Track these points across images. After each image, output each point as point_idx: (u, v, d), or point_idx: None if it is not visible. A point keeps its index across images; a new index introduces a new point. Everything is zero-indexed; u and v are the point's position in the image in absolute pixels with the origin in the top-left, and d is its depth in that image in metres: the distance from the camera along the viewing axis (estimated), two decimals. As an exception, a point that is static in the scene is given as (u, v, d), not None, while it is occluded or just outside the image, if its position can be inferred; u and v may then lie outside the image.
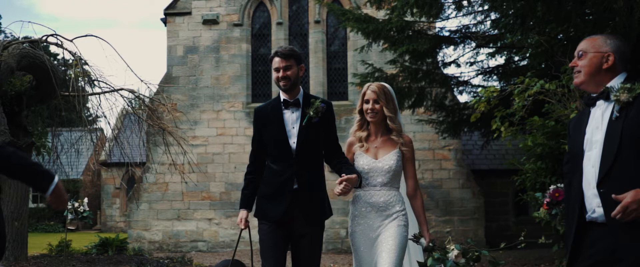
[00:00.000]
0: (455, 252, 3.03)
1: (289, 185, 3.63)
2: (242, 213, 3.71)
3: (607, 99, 2.70)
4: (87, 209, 5.44)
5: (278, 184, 3.66)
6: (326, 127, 3.73)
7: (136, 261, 7.79)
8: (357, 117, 3.92)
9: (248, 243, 3.93)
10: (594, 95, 2.75)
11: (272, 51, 3.79)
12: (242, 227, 3.65)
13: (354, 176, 3.50)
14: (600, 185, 2.60)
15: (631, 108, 2.58)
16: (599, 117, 2.71)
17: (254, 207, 3.79)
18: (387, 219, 3.68)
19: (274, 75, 3.70)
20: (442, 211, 13.60)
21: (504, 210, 15.37)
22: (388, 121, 3.77)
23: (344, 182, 3.42)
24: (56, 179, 2.85)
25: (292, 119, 3.70)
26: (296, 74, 3.67)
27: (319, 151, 3.73)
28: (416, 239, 3.60)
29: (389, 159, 3.74)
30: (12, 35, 31.54)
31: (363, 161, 3.77)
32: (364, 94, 3.82)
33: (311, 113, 3.62)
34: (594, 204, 2.67)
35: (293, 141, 3.65)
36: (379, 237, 3.65)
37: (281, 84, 3.66)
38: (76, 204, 5.33)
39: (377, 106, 3.75)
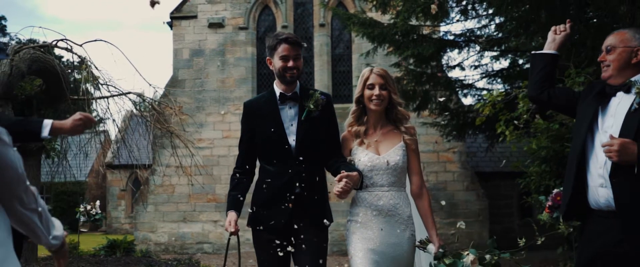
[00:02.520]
0: (471, 257, 2.73)
1: (290, 189, 3.19)
2: (231, 215, 3.19)
3: (627, 91, 2.77)
4: (99, 211, 5.54)
5: (277, 189, 3.22)
6: (327, 122, 3.31)
7: (144, 263, 7.89)
8: (352, 107, 3.38)
9: (250, 247, 3.52)
10: (616, 85, 2.81)
11: (274, 37, 3.30)
12: (232, 230, 3.13)
13: (355, 173, 3.02)
14: (613, 176, 2.66)
15: None
16: (614, 107, 2.78)
17: (240, 214, 3.29)
18: (394, 229, 3.17)
19: (280, 64, 3.23)
20: (446, 213, 13.67)
21: (508, 212, 15.44)
22: (399, 109, 3.30)
23: (345, 180, 2.91)
24: (47, 121, 2.89)
25: (289, 115, 3.29)
26: (302, 65, 3.30)
27: (320, 149, 3.27)
28: (423, 245, 3.14)
29: (394, 153, 3.24)
30: (17, 38, 31.80)
31: (364, 157, 3.24)
32: (367, 78, 3.28)
33: (311, 106, 3.22)
34: (597, 183, 2.74)
35: (292, 139, 3.24)
36: (388, 252, 3.14)
37: (288, 74, 3.23)
38: (88, 207, 5.44)
39: (384, 92, 3.25)
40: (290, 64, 3.21)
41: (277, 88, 3.32)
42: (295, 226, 3.20)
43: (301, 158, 3.21)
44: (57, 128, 2.90)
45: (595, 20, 6.43)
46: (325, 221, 3.26)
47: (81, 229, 6.91)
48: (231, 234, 3.13)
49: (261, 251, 3.27)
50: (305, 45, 3.41)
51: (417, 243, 3.17)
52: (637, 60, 2.78)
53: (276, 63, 3.25)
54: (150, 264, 7.86)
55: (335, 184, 2.92)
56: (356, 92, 3.37)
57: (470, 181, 13.89)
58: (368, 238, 3.16)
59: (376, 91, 3.23)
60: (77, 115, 2.99)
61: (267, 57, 3.34)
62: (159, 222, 14.21)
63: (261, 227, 3.25)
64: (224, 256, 3.14)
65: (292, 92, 3.29)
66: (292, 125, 3.26)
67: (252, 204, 3.31)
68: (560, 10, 5.71)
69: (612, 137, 2.62)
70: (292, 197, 3.19)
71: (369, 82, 3.26)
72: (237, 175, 3.35)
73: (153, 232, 14.19)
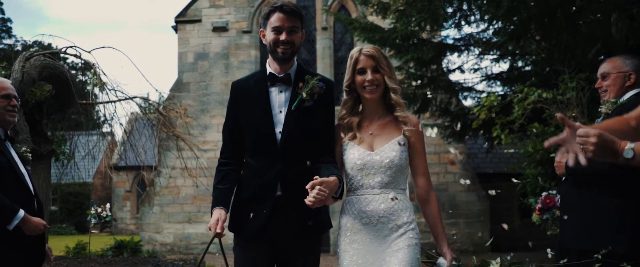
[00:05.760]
0: None
1: (271, 189, 2.69)
2: (218, 213, 2.65)
3: None
4: (109, 213, 5.73)
5: (257, 188, 2.72)
6: (323, 113, 2.77)
7: (152, 263, 8.09)
8: (343, 96, 2.85)
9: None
10: None
11: (269, 6, 2.76)
12: (219, 230, 2.59)
13: (332, 178, 2.47)
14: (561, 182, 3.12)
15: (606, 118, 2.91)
16: None
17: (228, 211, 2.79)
18: (391, 237, 2.65)
19: (272, 37, 2.69)
20: (447, 214, 13.86)
21: (509, 213, 15.57)
22: (392, 95, 2.76)
23: (318, 187, 2.39)
24: (20, 213, 3.08)
25: (280, 101, 2.75)
26: (300, 41, 2.76)
27: (312, 145, 2.74)
28: (432, 261, 2.65)
29: (389, 149, 2.71)
30: (22, 40, 32.13)
31: (355, 153, 2.73)
32: (357, 61, 2.74)
33: (304, 95, 2.69)
34: None
35: (279, 131, 2.71)
36: (382, 263, 2.63)
37: (280, 50, 2.68)
38: (99, 209, 5.63)
39: (377, 76, 2.72)
40: (283, 37, 2.67)
41: (269, 67, 2.79)
42: (277, 236, 2.70)
43: (288, 154, 2.70)
44: (23, 223, 3.12)
45: (583, 29, 6.60)
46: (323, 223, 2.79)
47: (92, 231, 7.11)
48: (216, 235, 2.61)
49: (238, 263, 2.80)
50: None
51: (423, 258, 2.71)
52: (631, 83, 3.04)
53: (268, 36, 2.73)
54: (157, 265, 8.07)
55: (309, 191, 2.42)
56: (346, 79, 2.81)
57: (471, 182, 14.07)
58: (359, 250, 2.67)
59: (368, 76, 2.71)
60: (43, 225, 3.22)
61: (261, 30, 2.82)
62: (164, 223, 14.43)
63: (239, 233, 2.79)
64: (221, 257, 2.74)
65: (285, 74, 2.75)
66: (281, 112, 2.73)
67: (232, 204, 2.81)
68: (549, 23, 5.90)
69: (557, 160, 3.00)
70: (273, 200, 2.70)
71: (359, 66, 2.74)
72: (223, 165, 2.84)
73: (159, 233, 14.41)
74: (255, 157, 2.77)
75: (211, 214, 2.69)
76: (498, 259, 2.54)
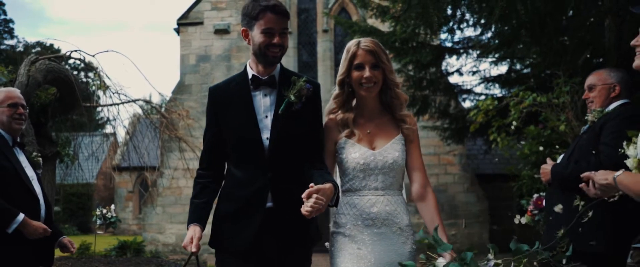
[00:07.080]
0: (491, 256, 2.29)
1: (260, 200, 2.51)
2: (193, 230, 2.50)
3: None
4: (114, 214, 5.84)
5: (244, 200, 2.54)
6: (311, 116, 2.60)
7: (154, 263, 8.22)
8: (335, 89, 2.68)
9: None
10: None
11: (254, 3, 2.51)
12: (193, 249, 2.43)
13: (327, 185, 2.29)
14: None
15: (591, 127, 3.06)
16: None
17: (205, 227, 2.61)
18: (392, 242, 2.53)
19: (261, 39, 2.48)
20: (447, 214, 13.97)
21: (508, 213, 15.68)
22: (394, 89, 2.62)
23: (315, 195, 2.22)
24: (20, 217, 3.19)
25: (265, 105, 2.57)
26: (288, 43, 2.58)
27: (301, 150, 2.57)
28: (431, 262, 2.34)
29: (391, 148, 2.57)
30: (24, 40, 32.29)
31: (356, 152, 2.56)
32: (354, 55, 2.55)
33: (291, 97, 2.52)
34: None
35: (266, 137, 2.53)
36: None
37: (271, 53, 2.49)
38: (104, 210, 5.74)
39: (376, 73, 2.55)
40: (276, 40, 2.48)
41: (251, 69, 2.60)
42: (265, 249, 2.54)
43: (277, 162, 2.53)
44: (22, 227, 3.23)
45: (574, 34, 6.72)
46: (325, 244, 2.67)
47: (97, 231, 7.24)
48: (191, 254, 2.47)
49: None
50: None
51: (422, 259, 2.47)
52: (616, 94, 3.22)
53: (256, 37, 2.51)
54: (160, 265, 8.20)
55: (304, 200, 2.25)
56: (340, 73, 2.63)
57: (471, 183, 14.19)
58: (360, 256, 2.51)
59: (366, 73, 2.54)
60: (43, 229, 3.32)
61: (243, 28, 2.57)
62: (166, 224, 14.57)
63: (223, 249, 2.62)
64: None
65: (269, 76, 2.57)
66: (267, 117, 2.55)
67: (213, 217, 2.66)
68: (539, 30, 6.03)
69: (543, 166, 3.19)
70: (262, 212, 2.52)
71: (356, 61, 2.55)
72: (201, 177, 2.69)
73: (161, 233, 14.55)
74: (240, 167, 2.58)
75: (188, 228, 2.55)
76: (493, 245, 2.39)
